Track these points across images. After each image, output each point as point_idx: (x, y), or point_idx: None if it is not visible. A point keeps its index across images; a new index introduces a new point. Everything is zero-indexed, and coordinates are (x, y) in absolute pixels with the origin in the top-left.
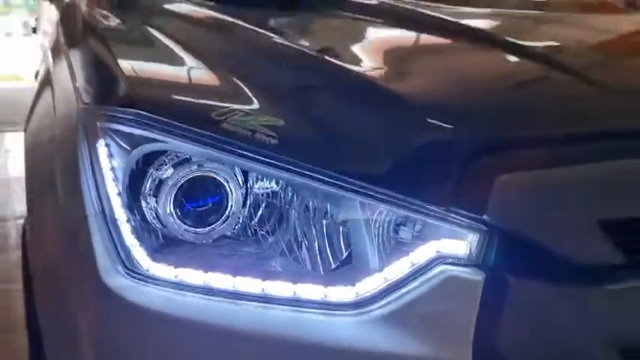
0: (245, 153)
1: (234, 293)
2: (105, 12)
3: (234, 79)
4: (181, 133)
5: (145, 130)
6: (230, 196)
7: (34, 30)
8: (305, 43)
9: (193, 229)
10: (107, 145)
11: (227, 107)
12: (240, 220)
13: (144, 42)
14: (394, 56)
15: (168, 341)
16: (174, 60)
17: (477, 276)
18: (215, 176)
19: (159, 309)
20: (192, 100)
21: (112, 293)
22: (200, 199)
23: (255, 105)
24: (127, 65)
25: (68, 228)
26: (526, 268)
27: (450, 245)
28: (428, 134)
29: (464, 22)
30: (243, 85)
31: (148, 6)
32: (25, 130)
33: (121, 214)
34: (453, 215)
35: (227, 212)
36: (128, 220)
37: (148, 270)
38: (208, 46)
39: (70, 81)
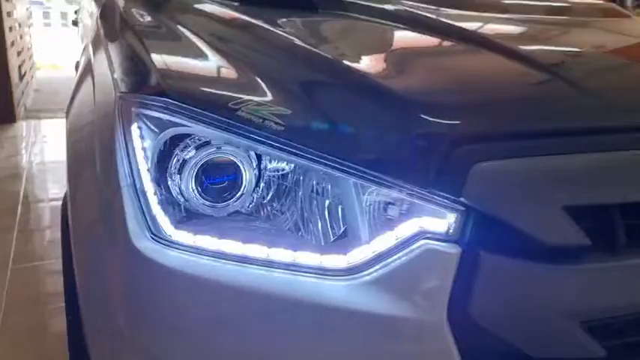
0: (257, 138)
1: (242, 257)
2: (140, 10)
3: (250, 73)
4: (203, 119)
5: (172, 116)
6: (244, 176)
7: (75, 23)
8: (314, 42)
9: (211, 203)
10: (139, 128)
11: (243, 98)
12: (252, 198)
13: (173, 38)
14: (390, 55)
15: (186, 295)
16: (199, 55)
17: (454, 250)
18: (232, 158)
19: (179, 268)
20: (213, 91)
21: (140, 254)
22: (218, 177)
23: (268, 96)
24: (157, 59)
25: (104, 198)
26: (497, 245)
27: (431, 223)
28: (415, 126)
29: (458, 24)
30: (257, 79)
31: (178, 6)
32: (66, 115)
33: (149, 187)
34: (434, 197)
35: (241, 190)
36: (155, 193)
37: (171, 236)
38: (229, 43)
39: (108, 71)
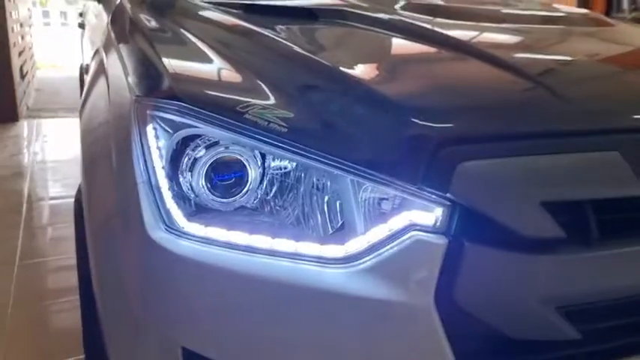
0: (262, 138)
1: (249, 247)
2: (147, 15)
3: (255, 78)
4: (213, 121)
5: (184, 118)
6: (250, 173)
7: (81, 25)
8: (314, 49)
9: (219, 199)
10: (154, 128)
11: (249, 102)
12: (257, 194)
13: (180, 43)
14: (384, 63)
15: (197, 281)
16: (207, 60)
17: (441, 240)
18: (238, 157)
19: (191, 257)
20: (222, 95)
21: (155, 244)
22: (226, 175)
23: (272, 100)
24: (169, 63)
25: (121, 193)
26: (480, 236)
27: (420, 216)
28: (406, 129)
29: (448, 34)
30: (262, 84)
31: (181, 12)
32: (79, 114)
33: (164, 183)
34: (423, 193)
35: (247, 187)
36: (169, 189)
37: (183, 227)
38: (234, 49)
39: (122, 74)
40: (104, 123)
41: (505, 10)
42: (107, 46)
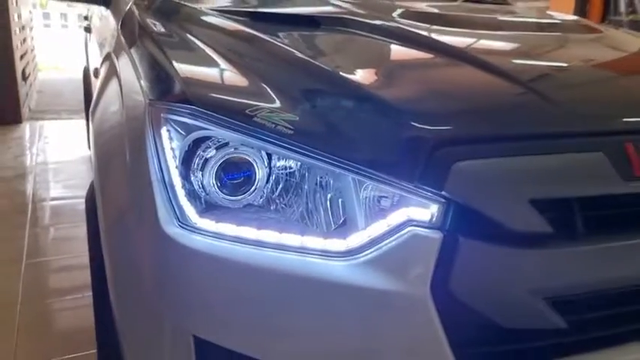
0: (270, 140)
1: (257, 241)
2: (154, 21)
3: (262, 83)
4: (223, 123)
5: (196, 120)
6: (257, 173)
7: (87, 29)
8: (318, 55)
9: (228, 196)
10: (168, 130)
11: (257, 105)
12: (264, 192)
13: (189, 48)
14: (383, 68)
15: (209, 273)
16: (215, 65)
17: (436, 235)
18: (247, 157)
19: (203, 250)
20: (231, 99)
21: (169, 239)
22: (235, 174)
23: (278, 104)
24: (180, 68)
25: (136, 191)
26: (473, 231)
27: (417, 212)
28: (404, 131)
29: (445, 41)
30: (268, 89)
31: (189, 18)
32: (91, 116)
33: (177, 182)
34: (420, 190)
35: (254, 185)
36: (182, 187)
37: (195, 223)
38: (241, 55)
39: (135, 78)
40: (117, 125)
41: (499, 18)
42: (118, 51)
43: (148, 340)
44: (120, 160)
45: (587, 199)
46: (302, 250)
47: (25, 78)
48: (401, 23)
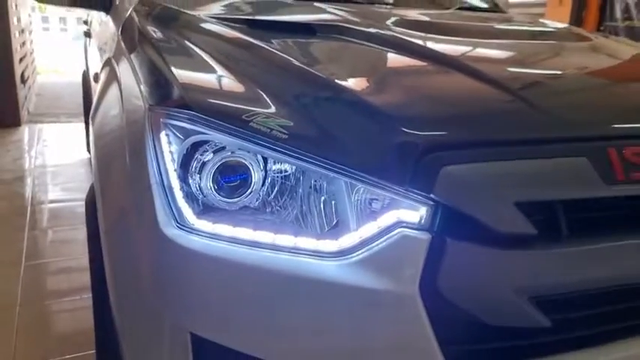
0: (265, 144)
1: (252, 242)
2: (154, 27)
3: (258, 89)
4: (220, 128)
5: (194, 125)
6: (253, 176)
7: (87, 34)
8: (312, 63)
9: (225, 199)
10: (167, 135)
11: (253, 111)
12: (260, 195)
13: (188, 55)
14: (375, 75)
15: (205, 273)
16: (213, 71)
17: (425, 236)
18: (243, 161)
19: (199, 250)
20: (229, 104)
21: (167, 239)
22: (231, 177)
23: (273, 109)
24: (179, 74)
25: (135, 193)
26: (460, 233)
27: (407, 214)
28: (395, 136)
29: (437, 49)
30: (264, 95)
31: (188, 25)
32: (92, 120)
33: (175, 184)
34: (409, 193)
35: (250, 188)
36: (180, 189)
37: (193, 224)
38: (238, 61)
39: (135, 83)
40: (117, 128)
41: (491, 26)
42: (118, 56)
43: (147, 339)
44: (120, 163)
45: (571, 203)
46: (295, 251)
47: (24, 81)
48: (394, 31)
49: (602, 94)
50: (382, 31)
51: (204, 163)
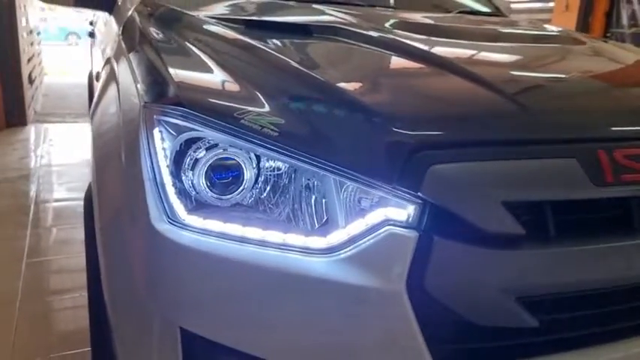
0: (257, 142)
1: (242, 238)
2: (155, 28)
3: (251, 88)
4: (213, 125)
5: (187, 122)
6: (245, 173)
7: (92, 34)
8: (305, 63)
9: (217, 195)
10: (160, 131)
11: (245, 109)
12: (252, 192)
13: (185, 54)
14: (367, 76)
15: (195, 267)
16: (209, 71)
17: (412, 234)
18: (235, 158)
19: (191, 245)
20: (221, 102)
21: (159, 234)
22: (223, 174)
23: (266, 108)
24: (175, 73)
25: (129, 189)
26: (447, 231)
27: (395, 212)
28: (384, 135)
29: (430, 50)
30: (257, 93)
31: (186, 25)
32: (91, 118)
33: (168, 181)
34: (397, 192)
35: (242, 185)
36: (172, 185)
37: (184, 220)
38: (233, 61)
39: (132, 82)
40: (115, 126)
41: (489, 30)
42: (118, 56)
43: (138, 333)
44: (116, 160)
45: (560, 203)
46: (284, 247)
47: (31, 81)
48: (390, 33)
49: (593, 96)
50: (378, 33)
51: (196, 160)
